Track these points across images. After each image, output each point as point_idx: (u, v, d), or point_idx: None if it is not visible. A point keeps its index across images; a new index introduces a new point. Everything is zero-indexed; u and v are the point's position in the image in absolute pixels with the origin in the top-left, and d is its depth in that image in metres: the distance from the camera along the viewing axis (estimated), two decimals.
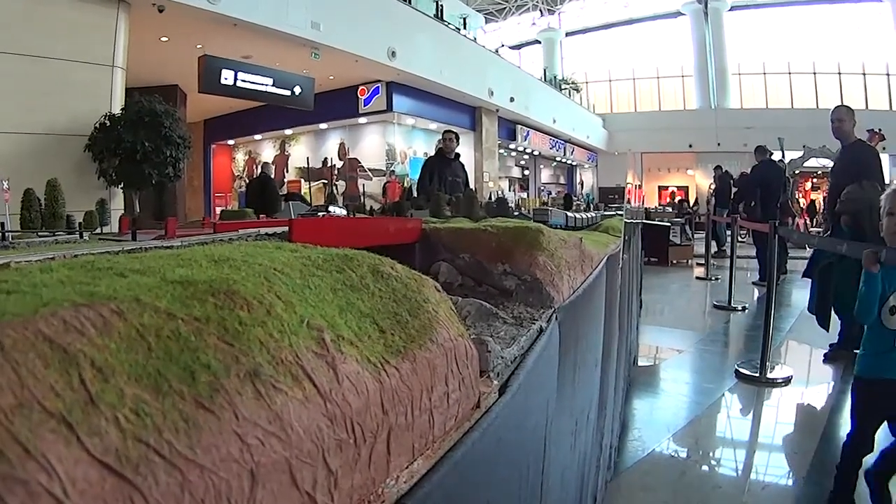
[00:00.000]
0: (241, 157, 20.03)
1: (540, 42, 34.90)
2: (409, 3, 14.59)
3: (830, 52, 29.10)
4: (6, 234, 1.62)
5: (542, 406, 1.02)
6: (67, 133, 7.50)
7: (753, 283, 9.67)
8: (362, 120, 15.95)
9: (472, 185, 8.94)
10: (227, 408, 0.34)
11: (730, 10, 30.31)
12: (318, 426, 0.39)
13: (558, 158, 28.54)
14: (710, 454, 3.51)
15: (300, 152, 17.94)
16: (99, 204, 2.63)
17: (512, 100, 19.01)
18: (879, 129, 7.89)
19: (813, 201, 25.17)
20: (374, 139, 16.48)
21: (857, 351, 2.77)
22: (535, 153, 26.07)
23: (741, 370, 4.79)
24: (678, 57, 31.35)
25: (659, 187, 30.66)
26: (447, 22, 16.75)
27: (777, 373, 4.76)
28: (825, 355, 5.26)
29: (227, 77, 11.32)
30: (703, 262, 11.47)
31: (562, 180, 31.92)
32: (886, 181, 5.63)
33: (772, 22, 30.56)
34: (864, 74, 28.73)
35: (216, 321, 0.39)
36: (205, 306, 0.40)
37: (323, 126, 16.90)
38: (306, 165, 16.67)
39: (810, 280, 5.51)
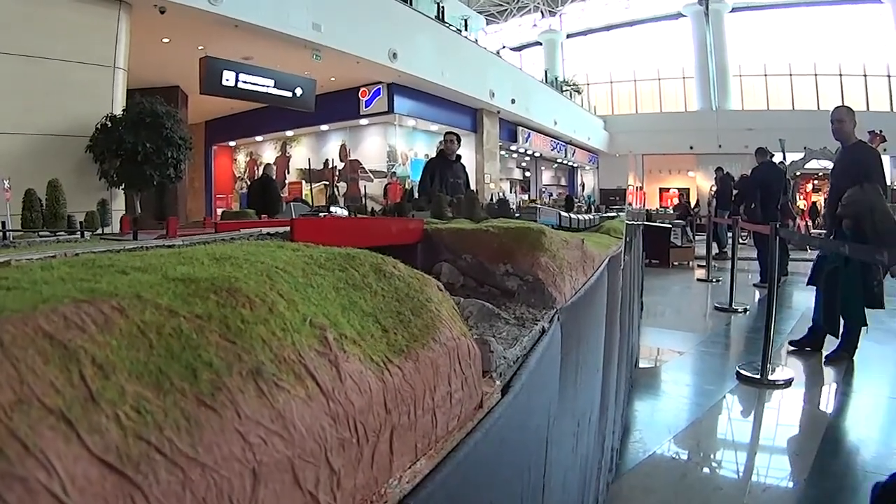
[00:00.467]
0: (242, 159, 20.03)
1: (541, 43, 34.93)
2: (410, 4, 14.61)
3: (831, 53, 29.12)
4: (7, 233, 1.62)
5: (545, 407, 1.02)
6: (68, 134, 7.51)
7: (754, 284, 9.66)
8: (363, 121, 15.96)
9: (473, 187, 8.94)
10: (229, 406, 0.34)
11: (731, 11, 30.33)
12: (320, 425, 0.39)
13: (559, 160, 28.56)
14: (712, 456, 3.51)
15: (301, 154, 17.95)
16: (100, 204, 2.63)
17: (513, 101, 19.02)
18: (881, 131, 7.89)
19: (814, 203, 25.16)
20: (376, 141, 16.49)
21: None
22: (537, 155, 26.10)
23: (742, 372, 4.78)
24: (679, 58, 31.37)
25: (660, 189, 30.66)
26: (448, 23, 16.77)
27: (778, 375, 4.75)
28: (826, 357, 5.25)
29: (228, 78, 11.34)
30: (704, 263, 11.47)
31: (563, 182, 31.95)
32: (888, 183, 5.62)
33: (773, 23, 30.57)
34: (865, 76, 28.73)
35: (218, 319, 0.39)
36: (207, 304, 0.40)
37: (324, 127, 16.92)
38: (307, 167, 16.69)
39: (815, 288, 5.51)
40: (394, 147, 16.27)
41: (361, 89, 14.95)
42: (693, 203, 24.65)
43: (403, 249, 1.45)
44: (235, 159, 20.29)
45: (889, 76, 28.15)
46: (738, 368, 4.87)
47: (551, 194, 27.55)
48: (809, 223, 21.89)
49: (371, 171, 16.33)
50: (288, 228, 1.25)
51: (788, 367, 5.03)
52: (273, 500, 0.34)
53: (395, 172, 15.91)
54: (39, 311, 0.31)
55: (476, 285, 1.36)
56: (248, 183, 17.25)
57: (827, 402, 4.52)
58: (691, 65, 30.77)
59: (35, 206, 2.35)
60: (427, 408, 0.54)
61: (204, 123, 18.23)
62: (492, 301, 1.19)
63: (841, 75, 29.17)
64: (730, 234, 11.11)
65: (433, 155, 10.51)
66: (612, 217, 4.86)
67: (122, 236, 1.92)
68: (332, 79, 13.85)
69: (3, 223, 1.89)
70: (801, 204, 23.27)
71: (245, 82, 11.64)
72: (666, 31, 32.50)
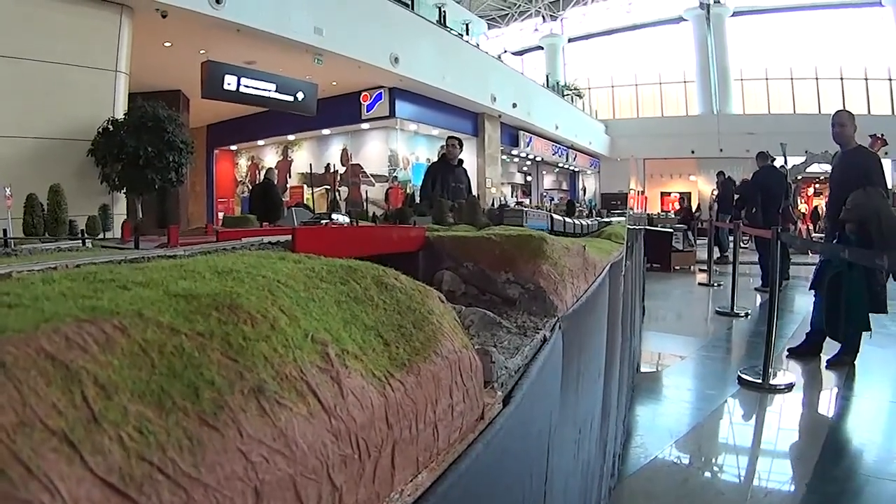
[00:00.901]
0: (243, 163, 20.05)
1: (542, 48, 34.98)
2: (412, 9, 14.63)
3: (833, 57, 29.13)
4: (8, 240, 1.62)
5: (546, 415, 1.02)
6: (70, 138, 7.52)
7: (756, 289, 9.65)
8: (365, 126, 15.96)
9: (474, 192, 8.94)
10: (231, 425, 0.34)
11: (732, 15, 30.34)
12: (322, 442, 0.39)
13: (561, 164, 28.56)
14: (713, 461, 3.50)
15: (303, 158, 17.97)
16: (101, 209, 2.63)
17: (514, 106, 19.02)
18: (882, 134, 7.88)
19: (815, 207, 25.14)
20: (377, 145, 16.50)
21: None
22: (538, 159, 26.09)
23: (744, 376, 4.78)
24: (680, 63, 31.39)
25: (661, 193, 30.65)
26: (450, 28, 16.79)
27: (779, 379, 4.75)
28: (828, 362, 5.25)
29: (229, 82, 11.35)
30: (705, 268, 11.46)
31: (564, 186, 31.94)
32: (889, 186, 5.60)
33: (774, 27, 30.61)
34: (866, 79, 28.74)
35: (220, 336, 0.39)
36: (208, 321, 0.40)
37: (326, 132, 16.94)
38: (309, 171, 16.69)
39: (814, 293, 5.50)
40: (395, 151, 16.27)
41: (363, 93, 14.96)
42: (694, 207, 24.65)
43: (405, 257, 1.45)
44: (237, 163, 20.30)
45: (890, 79, 28.15)
46: (739, 373, 4.86)
47: (553, 198, 27.53)
48: (811, 227, 21.86)
49: (372, 176, 16.34)
50: (289, 237, 1.25)
51: (790, 372, 5.03)
52: None
53: (396, 177, 15.92)
54: (41, 332, 0.31)
55: (478, 293, 1.36)
56: (250, 187, 17.27)
57: (828, 407, 4.51)
58: (692, 69, 30.77)
59: (37, 210, 2.35)
60: (429, 421, 0.54)
61: (206, 127, 18.24)
62: (493, 309, 1.19)
63: (842, 79, 29.18)
64: (731, 239, 11.12)
65: (435, 159, 10.51)
66: (609, 223, 4.83)
67: (123, 245, 1.92)
68: (334, 83, 13.86)
69: (5, 231, 1.89)
70: (803, 208, 23.22)
71: (247, 86, 11.66)
72: (667, 36, 32.53)
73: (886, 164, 5.42)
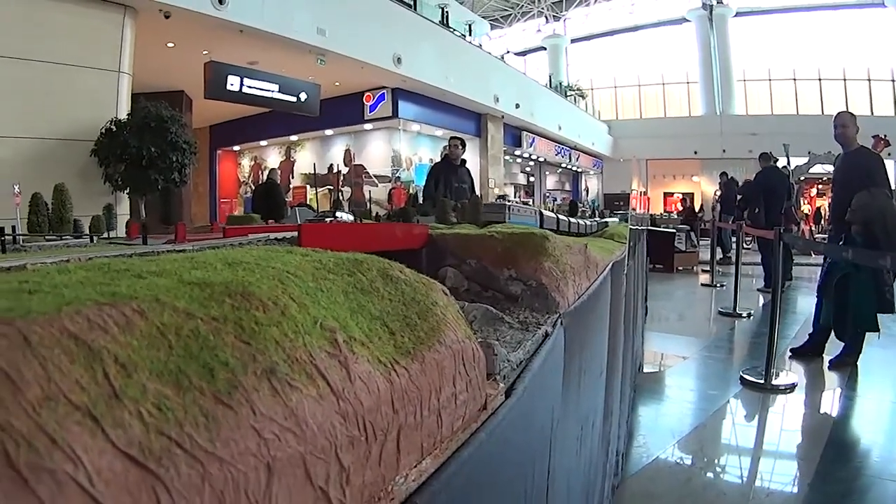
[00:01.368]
0: (246, 163, 20.07)
1: (545, 48, 34.94)
2: (415, 9, 14.64)
3: (835, 58, 29.08)
4: (17, 237, 1.64)
5: (548, 410, 1.03)
6: (73, 138, 7.54)
7: (759, 289, 9.64)
8: (368, 126, 15.97)
9: (477, 192, 8.95)
10: (244, 404, 0.35)
11: (735, 16, 30.31)
12: (331, 423, 0.40)
13: (564, 165, 28.54)
14: (715, 461, 3.51)
15: (306, 158, 17.98)
16: (105, 209, 2.64)
17: (517, 106, 19.03)
18: (885, 135, 7.87)
19: (818, 208, 25.11)
20: (380, 145, 16.51)
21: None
22: (541, 159, 26.09)
23: (746, 377, 4.78)
24: (683, 63, 31.36)
25: (664, 194, 30.61)
26: (452, 28, 16.79)
27: (782, 380, 4.75)
28: (830, 362, 5.25)
29: (232, 83, 11.37)
30: (708, 268, 11.45)
31: (567, 187, 31.90)
32: (893, 187, 5.59)
33: (777, 28, 30.56)
34: (869, 80, 28.69)
35: (233, 321, 0.41)
36: (222, 307, 0.41)
37: (328, 132, 16.95)
38: (312, 171, 16.71)
39: (817, 294, 5.50)
40: (398, 152, 16.29)
41: (366, 94, 14.98)
42: (697, 208, 24.63)
43: (409, 254, 1.46)
44: (240, 164, 20.33)
45: (893, 80, 28.09)
46: (741, 373, 4.87)
47: (555, 199, 27.53)
48: (813, 228, 21.83)
49: (375, 176, 16.35)
50: (295, 234, 1.26)
51: (792, 372, 5.03)
52: (286, 494, 0.35)
53: (399, 177, 15.93)
54: (64, 313, 0.33)
55: (480, 290, 1.37)
56: (253, 187, 17.28)
57: (831, 407, 4.51)
58: (695, 70, 30.74)
59: (42, 210, 2.37)
60: (433, 408, 0.55)
61: (208, 128, 18.28)
62: (496, 305, 1.20)
63: (845, 80, 29.14)
64: (734, 239, 11.11)
65: (437, 160, 10.52)
66: (606, 223, 4.83)
67: (131, 241, 1.93)
68: (337, 83, 13.88)
69: (14, 227, 1.91)
70: (806, 209, 23.20)
71: (250, 87, 11.67)
72: (670, 36, 32.50)
73: (889, 164, 5.42)
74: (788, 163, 13.07)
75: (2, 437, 0.26)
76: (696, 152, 28.67)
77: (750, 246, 13.62)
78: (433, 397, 0.55)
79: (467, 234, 1.49)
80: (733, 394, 4.59)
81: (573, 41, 35.22)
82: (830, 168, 6.42)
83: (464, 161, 7.23)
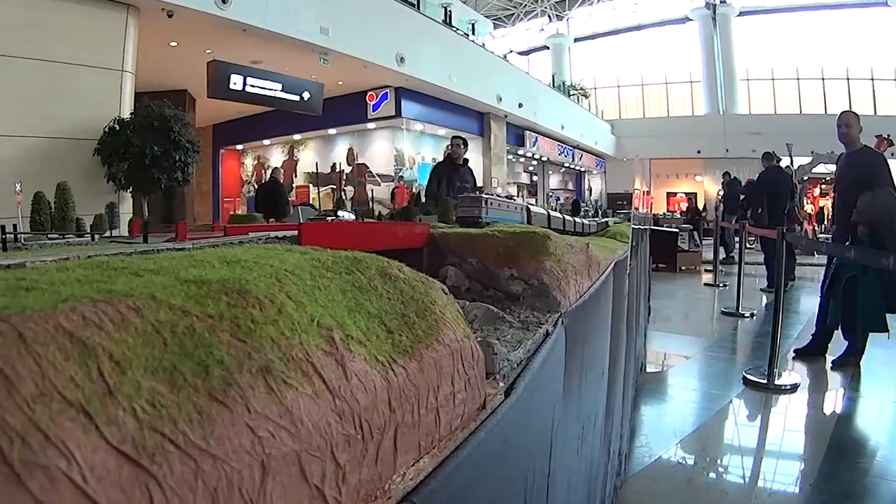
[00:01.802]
0: (249, 162, 20.06)
1: (548, 48, 34.90)
2: (418, 8, 14.63)
3: (839, 57, 29.02)
4: (18, 235, 1.64)
5: (548, 409, 1.03)
6: (77, 137, 7.55)
7: (762, 289, 9.62)
8: (371, 125, 15.95)
9: None
10: (239, 401, 0.35)
11: (738, 15, 30.25)
12: (326, 421, 0.40)
13: (567, 164, 28.51)
14: (718, 460, 3.50)
15: (309, 157, 17.97)
16: (108, 207, 2.64)
17: (520, 105, 19.00)
18: (888, 135, 7.84)
19: (822, 208, 25.05)
20: (383, 145, 16.50)
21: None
22: (544, 159, 26.05)
23: (749, 377, 4.77)
24: (686, 63, 31.32)
25: (667, 193, 30.55)
26: (455, 28, 16.79)
27: (784, 379, 4.74)
28: (833, 362, 5.24)
29: (235, 82, 11.36)
30: (711, 268, 11.44)
31: (570, 186, 31.87)
32: None
33: (780, 27, 30.51)
34: (872, 79, 28.62)
35: (229, 319, 0.41)
36: (218, 304, 0.41)
37: (332, 131, 16.95)
38: (315, 170, 16.70)
39: (820, 294, 5.49)
40: (401, 151, 16.28)
41: (369, 93, 14.96)
42: (700, 207, 24.60)
43: (410, 253, 1.46)
44: (243, 163, 20.33)
45: None
46: (744, 373, 4.86)
47: (558, 198, 27.49)
48: (816, 228, 21.78)
49: (378, 175, 16.34)
50: (296, 232, 1.26)
51: (795, 372, 5.02)
52: (280, 492, 0.35)
53: (402, 176, 15.93)
54: (59, 310, 0.33)
55: (481, 289, 1.37)
56: (256, 186, 17.28)
57: (833, 407, 4.50)
58: (699, 69, 30.70)
59: (44, 208, 2.37)
60: (430, 407, 0.55)
61: (211, 127, 18.26)
62: (497, 304, 1.20)
63: (848, 79, 29.06)
64: (737, 239, 11.09)
65: (440, 159, 10.52)
66: (606, 223, 4.82)
67: (132, 239, 1.93)
68: (340, 83, 13.88)
69: (15, 226, 1.90)
70: (809, 208, 23.15)
71: (253, 86, 11.66)
72: (673, 36, 32.46)
73: (893, 164, 5.39)
74: (791, 162, 13.05)
75: None
76: (699, 152, 28.60)
77: (753, 246, 13.59)
78: (431, 396, 0.55)
79: (468, 233, 1.49)
80: (736, 394, 4.58)
81: (576, 40, 35.16)
82: (833, 168, 6.39)
83: (466, 160, 7.22)
